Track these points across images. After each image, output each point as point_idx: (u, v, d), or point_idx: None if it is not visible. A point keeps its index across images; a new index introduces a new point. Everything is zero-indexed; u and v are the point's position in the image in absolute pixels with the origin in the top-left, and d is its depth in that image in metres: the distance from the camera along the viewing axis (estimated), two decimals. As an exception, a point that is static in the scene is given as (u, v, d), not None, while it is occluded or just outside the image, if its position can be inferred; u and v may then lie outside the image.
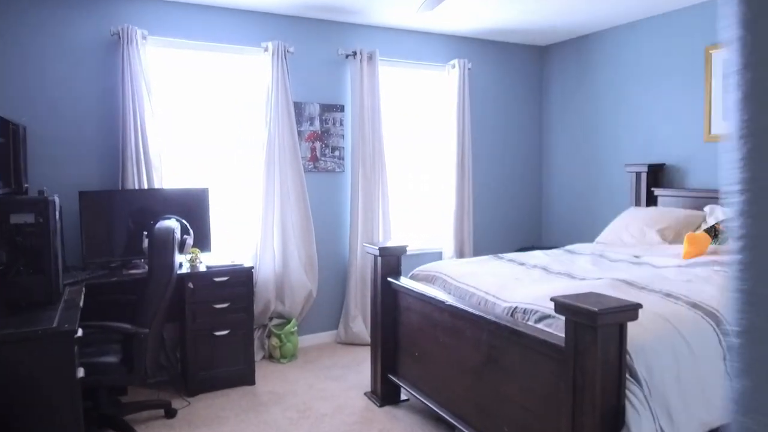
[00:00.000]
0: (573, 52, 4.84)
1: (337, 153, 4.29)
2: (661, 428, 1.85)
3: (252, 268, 3.48)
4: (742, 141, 0.42)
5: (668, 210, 3.66)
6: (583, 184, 4.80)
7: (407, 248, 3.18)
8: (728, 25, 0.43)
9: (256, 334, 3.85)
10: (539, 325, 2.18)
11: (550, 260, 3.19)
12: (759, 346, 0.41)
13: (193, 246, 3.42)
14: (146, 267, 3.07)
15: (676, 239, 3.41)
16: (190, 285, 3.28)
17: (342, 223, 4.35)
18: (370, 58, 4.21)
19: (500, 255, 3.38)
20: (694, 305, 2.22)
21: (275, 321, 3.98)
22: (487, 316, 2.31)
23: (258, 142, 3.92)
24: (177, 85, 3.78)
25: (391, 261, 3.10)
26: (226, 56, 3.91)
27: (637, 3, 3.85)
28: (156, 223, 2.83)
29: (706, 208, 3.56)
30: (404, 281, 3.00)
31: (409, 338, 2.94)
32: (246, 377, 3.44)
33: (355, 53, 4.17)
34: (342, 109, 4.28)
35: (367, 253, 3.18)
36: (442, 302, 2.60)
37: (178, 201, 3.51)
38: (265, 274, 3.90)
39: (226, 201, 3.97)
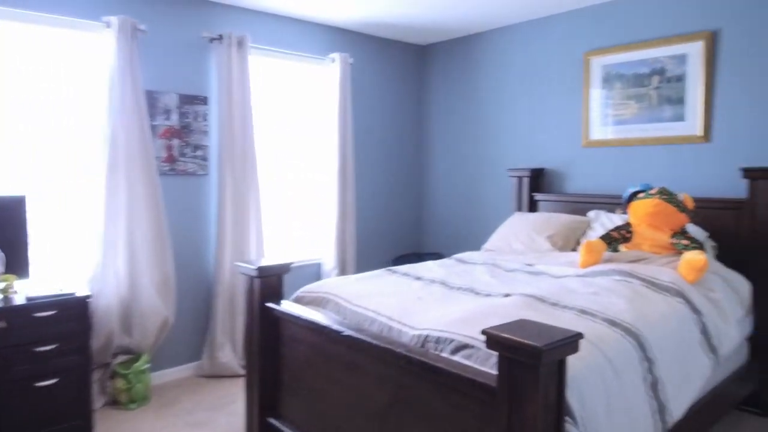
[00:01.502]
0: (454, 53, 4.71)
1: (200, 153, 3.66)
2: (601, 471, 1.62)
3: (88, 297, 2.76)
4: None
5: (554, 215, 3.62)
6: (465, 189, 4.69)
7: (290, 265, 2.71)
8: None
9: (95, 376, 3.11)
10: (456, 357, 1.86)
11: (446, 273, 2.92)
12: None
13: (5, 272, 2.63)
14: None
15: (566, 246, 3.36)
16: (2, 324, 2.49)
17: (206, 235, 3.73)
18: (240, 44, 3.66)
19: (394, 269, 3.05)
20: (612, 323, 2.06)
21: (120, 358, 3.25)
22: (395, 349, 1.93)
23: (98, 137, 3.17)
24: (-20, 61, 2.91)
25: (271, 282, 2.60)
26: (58, 32, 3.10)
27: (518, 6, 3.78)
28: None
29: (591, 213, 3.58)
30: (288, 306, 2.53)
31: (295, 374, 2.48)
32: (82, 435, 2.71)
33: (221, 37, 3.59)
34: (205, 101, 3.66)
35: (242, 273, 2.66)
36: (338, 332, 2.18)
37: (-17, 212, 2.67)
38: (107, 301, 3.17)
39: (51, 212, 3.16)
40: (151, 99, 3.41)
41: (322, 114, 4.28)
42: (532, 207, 4.05)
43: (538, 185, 4.07)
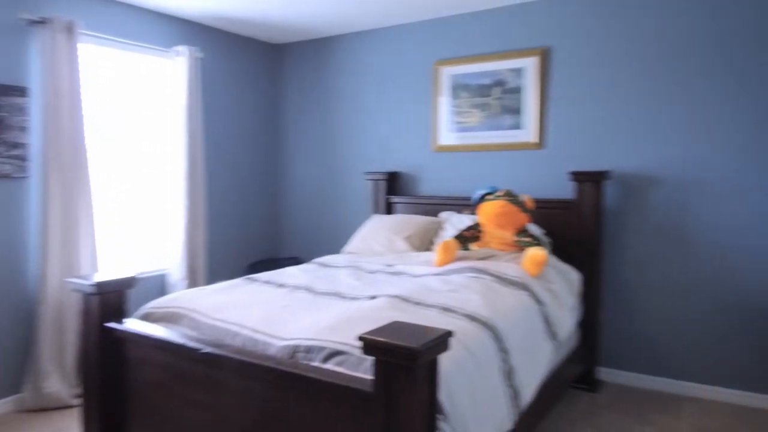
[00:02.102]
0: (310, 54, 4.65)
1: (17, 152, 3.12)
2: (470, 462, 1.68)
3: None
4: None
5: (410, 217, 3.74)
6: (323, 191, 4.65)
7: (134, 278, 2.42)
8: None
9: None
10: (328, 365, 1.80)
11: (310, 278, 2.85)
12: None
13: None
14: None
15: (422, 246, 3.48)
16: None
17: (25, 247, 3.20)
18: (68, 29, 3.20)
19: (253, 277, 2.89)
20: (471, 317, 2.16)
21: None
22: (262, 363, 1.82)
23: None
24: None
25: (111, 299, 2.30)
26: None
27: (372, 12, 3.84)
28: None
29: (443, 215, 3.75)
30: (134, 325, 2.26)
31: (144, 400, 2.22)
32: None
33: (45, 20, 3.11)
34: (25, 92, 3.14)
35: (74, 290, 2.31)
36: (196, 349, 1.99)
37: None
38: None
39: None
40: (-51, 86, 2.84)
41: (167, 111, 3.93)
42: (389, 209, 4.15)
43: (393, 188, 4.18)
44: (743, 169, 3.07)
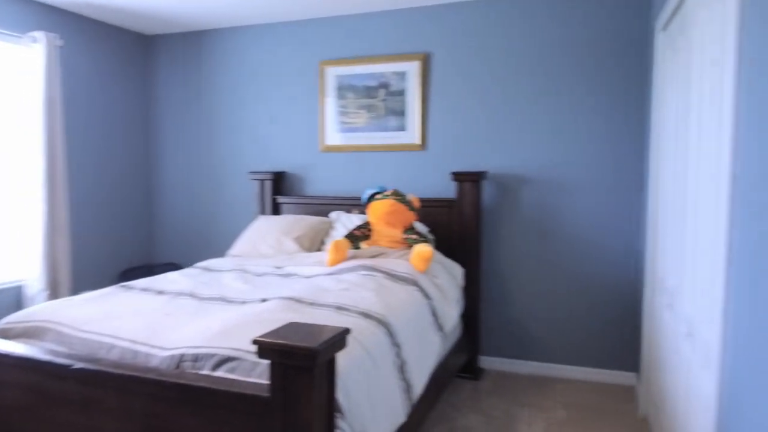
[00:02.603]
0: (185, 47, 4.39)
1: None
2: (367, 458, 1.69)
3: None
4: None
5: (300, 218, 3.68)
6: (203, 192, 4.42)
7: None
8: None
9: None
10: (219, 373, 1.72)
11: (193, 283, 2.69)
12: None
13: None
14: None
15: (312, 246, 3.45)
16: None
17: None
18: None
19: (129, 285, 2.67)
20: (366, 315, 2.19)
21: None
22: (143, 375, 1.69)
23: None
24: None
25: (-44, 315, 2.01)
26: None
27: (251, 7, 3.73)
28: None
29: (332, 215, 3.74)
30: (-14, 343, 1.98)
31: (5, 426, 1.96)
32: None
33: None
34: None
35: None
36: (65, 365, 1.79)
37: None
38: None
39: None
40: None
41: (21, 104, 3.51)
42: (276, 210, 4.06)
43: (280, 188, 4.09)
44: (595, 171, 3.42)
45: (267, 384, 1.50)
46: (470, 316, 3.53)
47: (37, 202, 3.53)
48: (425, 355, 2.51)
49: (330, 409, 1.55)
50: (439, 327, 2.78)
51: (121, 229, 4.35)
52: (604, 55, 3.35)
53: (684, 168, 2.14)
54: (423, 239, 3.12)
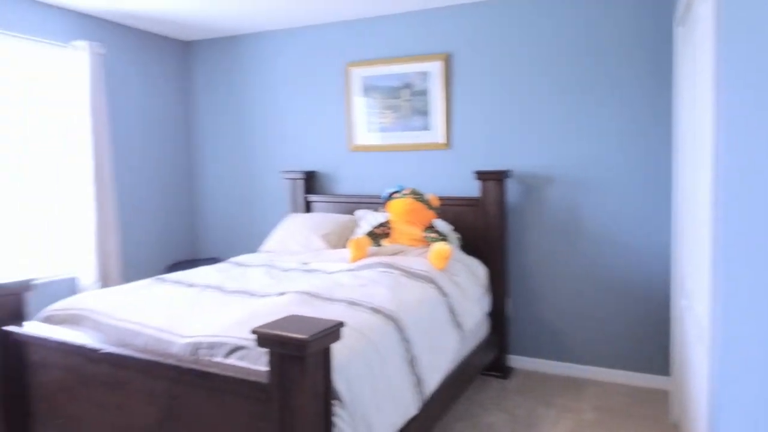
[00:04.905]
0: (221, 52, 4.62)
1: None
2: (366, 445, 1.79)
3: None
4: None
5: (327, 215, 3.82)
6: (240, 191, 4.64)
7: (31, 282, 2.37)
8: None
9: None
10: (230, 360, 1.87)
11: (222, 277, 2.88)
12: None
13: None
14: None
15: (339, 243, 3.58)
16: None
17: None
18: (-46, 22, 3.05)
19: (162, 277, 2.88)
20: (376, 310, 2.28)
21: None
22: (162, 360, 1.85)
23: None
24: None
25: (8, 302, 2.25)
26: None
27: (282, 12, 3.88)
28: None
29: (358, 213, 3.86)
30: (33, 328, 2.22)
31: (48, 402, 2.18)
32: None
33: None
34: None
35: (-34, 295, 2.24)
36: (95, 350, 1.99)
37: None
38: None
39: None
40: None
41: (68, 109, 3.80)
42: (307, 208, 4.21)
43: (311, 187, 4.24)
44: (623, 169, 3.38)
45: (266, 371, 1.63)
46: (497, 315, 3.55)
47: (87, 201, 3.82)
48: (439, 351, 2.57)
49: (326, 396, 1.66)
50: (457, 324, 2.83)
51: (167, 226, 4.63)
52: (629, 51, 3.30)
53: (693, 166, 2.13)
54: (442, 237, 3.18)
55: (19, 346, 2.23)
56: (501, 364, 3.61)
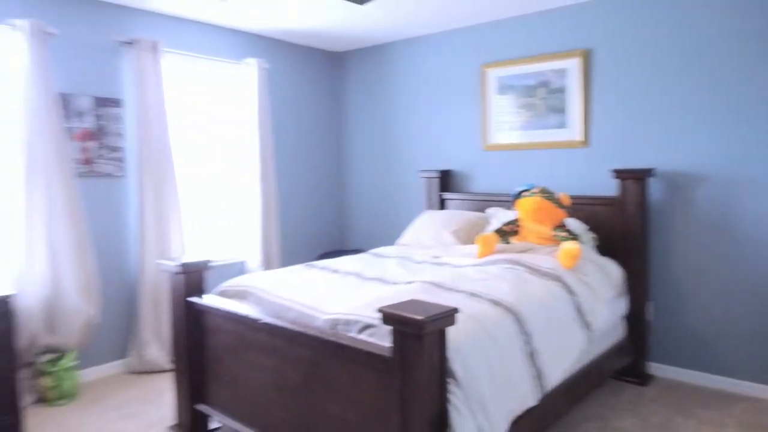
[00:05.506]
0: (368, 61, 5.01)
1: (116, 155, 3.73)
2: (479, 424, 1.95)
3: (10, 296, 2.81)
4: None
5: (458, 213, 4.00)
6: (382, 189, 5.00)
7: (209, 262, 2.89)
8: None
9: (22, 375, 3.14)
10: (361, 336, 2.14)
11: (361, 266, 3.21)
12: None
13: None
14: None
15: (468, 239, 3.73)
16: None
17: (126, 235, 3.80)
18: (153, 48, 3.76)
19: (312, 263, 3.30)
20: (496, 303, 2.41)
21: (47, 356, 3.30)
22: (308, 332, 2.19)
23: (13, 140, 3.20)
24: None
25: (193, 278, 2.78)
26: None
27: (424, 19, 4.12)
28: None
29: (489, 210, 3.98)
30: (210, 300, 2.72)
31: (220, 362, 2.68)
32: (11, 431, 2.76)
33: (133, 41, 3.68)
34: (119, 103, 3.73)
35: (164, 270, 2.82)
36: (257, 320, 2.40)
37: None
38: (30, 301, 3.21)
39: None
40: (65, 101, 3.45)
41: (240, 117, 4.44)
42: (442, 205, 4.42)
43: (446, 185, 4.44)
44: (790, 166, 3.07)
45: (389, 346, 1.87)
46: (634, 319, 3.44)
47: (255, 197, 4.44)
48: (563, 348, 2.61)
49: (442, 374, 1.85)
50: (585, 324, 2.84)
51: (319, 220, 5.16)
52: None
53: None
54: (573, 237, 3.18)
55: (199, 314, 2.75)
56: (639, 371, 3.49)
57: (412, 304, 1.87)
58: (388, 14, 3.99)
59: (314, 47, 5.03)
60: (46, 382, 3.18)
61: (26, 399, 3.18)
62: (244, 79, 4.39)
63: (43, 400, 3.23)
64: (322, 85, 5.13)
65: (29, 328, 3.20)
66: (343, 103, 5.27)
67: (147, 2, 3.67)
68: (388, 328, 2.02)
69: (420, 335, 1.74)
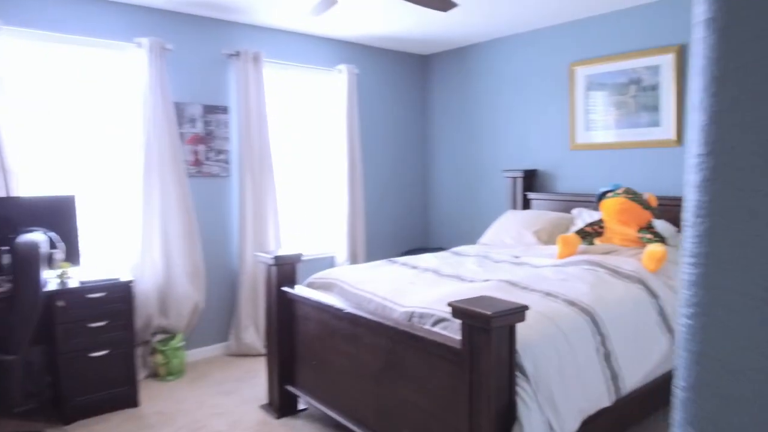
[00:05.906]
0: (453, 62, 5.09)
1: (222, 157, 4.11)
2: (547, 419, 2.00)
3: (131, 281, 3.23)
4: (700, 216, 0.45)
5: (541, 213, 3.98)
6: (466, 188, 5.07)
7: (301, 255, 3.14)
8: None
9: (138, 351, 3.58)
10: (435, 329, 2.26)
11: (440, 263, 3.32)
12: (703, 402, 0.45)
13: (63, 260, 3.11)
14: (8, 285, 2.73)
15: (550, 240, 3.72)
16: (61, 303, 2.97)
17: (229, 230, 4.18)
18: (255, 59, 4.09)
19: (393, 259, 3.46)
20: (571, 303, 2.43)
21: (159, 336, 3.73)
22: (386, 322, 2.35)
23: (135, 144, 3.64)
24: (37, 81, 3.39)
25: (286, 270, 3.04)
26: (94, 51, 3.57)
27: (508, 20, 4.14)
28: (18, 236, 2.52)
29: (574, 211, 3.93)
30: (301, 290, 2.96)
31: (307, 347, 2.91)
32: (128, 399, 3.18)
33: (238, 53, 4.03)
34: (226, 110, 4.11)
35: (260, 262, 3.10)
36: (341, 310, 2.60)
37: (41, 210, 3.15)
38: (146, 286, 3.64)
39: (97, 209, 3.64)
40: (179, 109, 3.86)
41: (331, 120, 4.69)
42: (526, 205, 4.41)
43: (530, 185, 4.43)
44: None
45: (460, 339, 1.98)
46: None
47: (342, 196, 4.68)
48: (643, 351, 2.57)
49: (511, 368, 1.93)
50: (668, 328, 2.77)
51: (404, 219, 5.33)
52: None
53: None
54: (658, 239, 3.09)
55: (290, 302, 3.00)
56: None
57: (482, 299, 1.97)
58: (473, 16, 4.05)
59: (401, 51, 5.19)
60: (158, 359, 3.60)
61: (141, 373, 3.61)
62: (337, 85, 4.64)
63: (154, 375, 3.65)
64: (408, 88, 5.29)
65: (145, 311, 3.64)
66: (428, 105, 5.39)
67: (249, 16, 4.01)
68: (459, 321, 2.13)
69: (487, 329, 1.83)
